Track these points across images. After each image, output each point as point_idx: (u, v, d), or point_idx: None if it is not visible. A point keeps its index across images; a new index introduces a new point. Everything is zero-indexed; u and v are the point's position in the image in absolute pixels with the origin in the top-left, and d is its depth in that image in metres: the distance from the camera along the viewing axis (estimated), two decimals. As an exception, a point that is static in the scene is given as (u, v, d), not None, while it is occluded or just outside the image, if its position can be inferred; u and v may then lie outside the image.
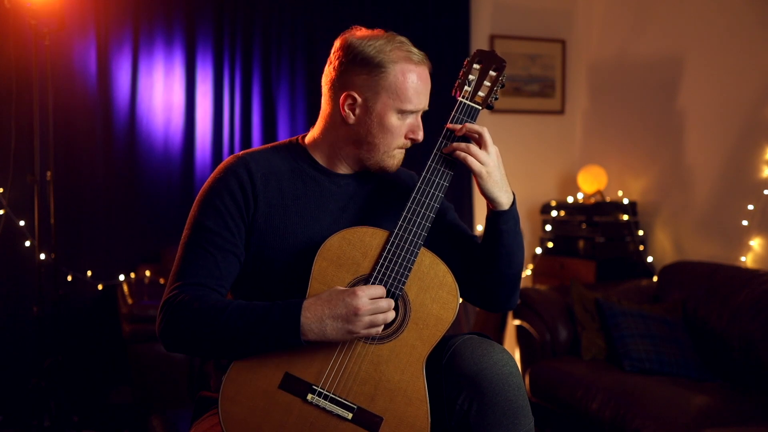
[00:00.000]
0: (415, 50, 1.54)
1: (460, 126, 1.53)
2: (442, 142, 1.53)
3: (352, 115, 1.54)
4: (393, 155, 1.57)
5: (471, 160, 1.49)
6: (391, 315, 1.42)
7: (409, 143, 1.58)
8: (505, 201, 1.53)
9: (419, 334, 1.46)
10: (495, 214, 1.54)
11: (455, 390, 1.45)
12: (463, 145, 1.50)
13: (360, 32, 1.56)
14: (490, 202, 1.54)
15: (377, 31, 1.56)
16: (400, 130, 1.54)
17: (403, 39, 1.55)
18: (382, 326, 1.42)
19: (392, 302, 1.42)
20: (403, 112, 1.53)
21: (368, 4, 4.05)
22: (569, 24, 4.59)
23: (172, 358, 3.07)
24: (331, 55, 1.57)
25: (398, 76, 1.50)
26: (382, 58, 1.50)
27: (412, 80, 1.51)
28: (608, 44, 4.41)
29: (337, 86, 1.55)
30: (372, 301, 1.38)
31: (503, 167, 1.54)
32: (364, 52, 1.51)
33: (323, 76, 1.60)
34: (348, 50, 1.53)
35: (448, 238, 1.65)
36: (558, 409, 3.09)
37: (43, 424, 3.08)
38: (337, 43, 1.57)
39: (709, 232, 3.74)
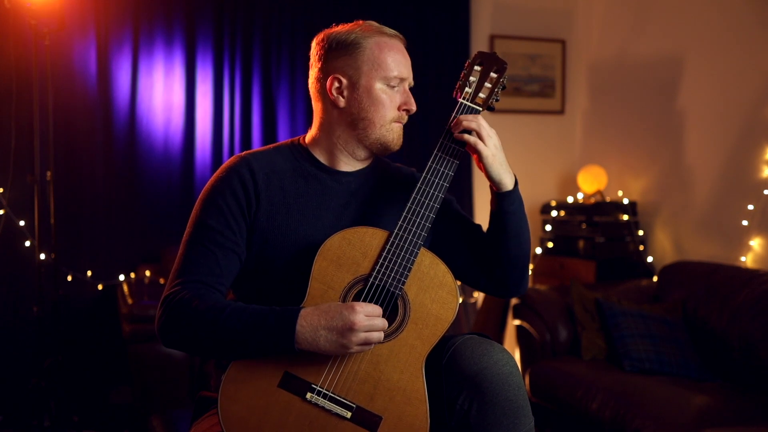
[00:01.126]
0: (386, 27, 1.60)
1: (456, 121, 1.54)
2: (443, 142, 1.54)
3: (341, 97, 1.58)
4: (391, 129, 1.59)
5: (480, 144, 1.51)
6: (382, 336, 1.42)
7: (404, 115, 1.61)
8: (509, 182, 1.57)
9: (419, 333, 1.47)
10: (501, 197, 1.57)
11: (455, 390, 1.46)
12: (473, 125, 1.52)
13: (334, 27, 1.62)
14: (496, 184, 1.56)
15: (349, 23, 1.62)
16: (390, 101, 1.57)
17: (373, 22, 1.62)
18: (373, 345, 1.42)
19: (386, 323, 1.42)
20: (388, 81, 1.56)
21: (368, 5, 4.05)
22: (569, 24, 4.59)
23: (172, 358, 3.07)
24: (311, 56, 1.63)
25: (374, 49, 1.56)
26: (355, 36, 1.57)
27: (389, 49, 1.57)
28: (608, 44, 4.41)
29: (322, 77, 1.60)
30: (368, 318, 1.38)
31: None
32: (338, 37, 1.58)
33: (309, 79, 1.64)
34: (324, 42, 1.60)
35: (456, 227, 1.67)
36: (558, 409, 3.09)
37: (43, 424, 3.08)
38: (313, 43, 1.63)
39: (709, 232, 3.74)
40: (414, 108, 1.61)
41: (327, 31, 1.61)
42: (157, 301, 1.39)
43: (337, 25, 1.63)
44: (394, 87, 1.58)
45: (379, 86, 1.56)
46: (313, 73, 1.62)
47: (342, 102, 1.58)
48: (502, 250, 1.59)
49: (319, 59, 1.60)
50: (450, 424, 1.47)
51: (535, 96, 4.51)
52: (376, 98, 1.56)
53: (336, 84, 1.57)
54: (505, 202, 1.57)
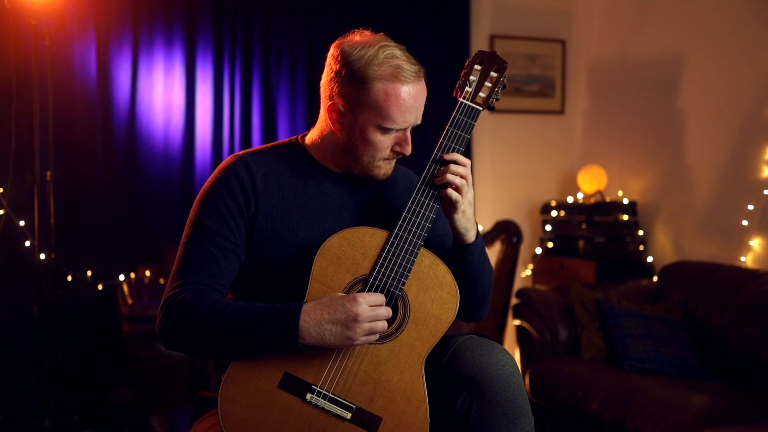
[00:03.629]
0: (406, 66, 1.49)
1: (443, 171, 1.51)
2: (442, 141, 1.54)
3: (337, 123, 1.54)
4: (378, 166, 1.56)
5: (455, 195, 1.50)
6: (386, 325, 1.41)
7: (396, 155, 1.57)
8: (473, 234, 1.56)
9: (419, 334, 1.47)
10: (462, 247, 1.57)
11: (455, 390, 1.46)
12: (458, 175, 1.50)
13: (357, 38, 1.53)
14: (460, 235, 1.55)
15: (375, 38, 1.52)
16: (383, 144, 1.53)
17: (396, 52, 1.49)
18: (378, 335, 1.42)
19: (390, 311, 1.42)
20: (385, 130, 1.51)
21: (368, 5, 4.05)
22: (569, 24, 4.59)
23: (172, 358, 3.07)
24: (327, 58, 1.56)
25: (380, 95, 1.48)
26: (367, 74, 1.47)
27: (396, 99, 1.48)
28: (608, 44, 4.40)
29: (328, 94, 1.55)
30: (372, 308, 1.38)
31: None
32: (351, 65, 1.49)
33: (322, 78, 1.59)
34: (338, 59, 1.51)
35: (432, 246, 1.63)
36: (558, 409, 3.09)
37: (43, 424, 3.08)
38: (332, 49, 1.55)
39: (709, 232, 3.74)
40: (408, 153, 1.55)
41: (346, 45, 1.51)
42: (157, 301, 1.40)
43: (359, 31, 1.54)
44: (391, 131, 1.52)
45: (374, 131, 1.50)
46: (324, 77, 1.57)
47: (338, 127, 1.54)
48: (461, 289, 1.56)
49: (330, 73, 1.53)
50: (450, 424, 1.47)
51: (535, 96, 4.51)
52: (368, 140, 1.52)
53: (335, 110, 1.53)
54: (467, 252, 1.57)
